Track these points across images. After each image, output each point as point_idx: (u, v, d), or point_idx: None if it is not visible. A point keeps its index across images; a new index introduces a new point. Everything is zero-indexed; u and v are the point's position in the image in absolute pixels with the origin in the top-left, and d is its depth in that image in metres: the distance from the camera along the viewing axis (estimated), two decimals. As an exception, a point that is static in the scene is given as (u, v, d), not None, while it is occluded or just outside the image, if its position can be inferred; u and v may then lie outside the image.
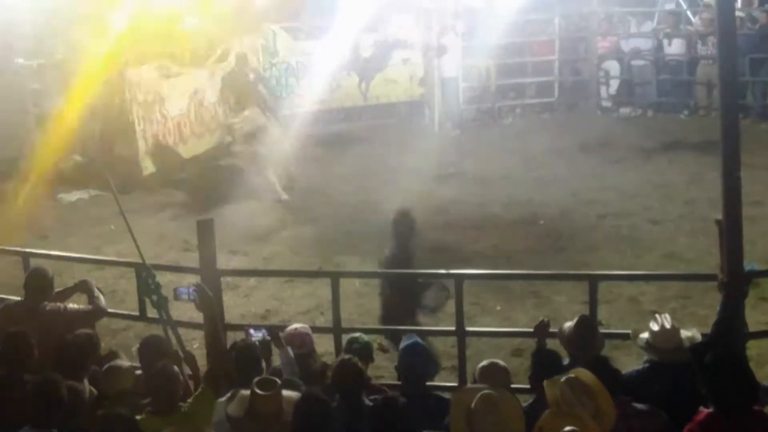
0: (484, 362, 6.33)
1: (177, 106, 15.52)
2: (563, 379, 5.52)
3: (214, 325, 6.77)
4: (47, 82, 15.93)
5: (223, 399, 6.09)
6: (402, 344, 6.67)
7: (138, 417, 5.89)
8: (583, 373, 5.60)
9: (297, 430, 5.53)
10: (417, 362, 6.44)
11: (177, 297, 7.20)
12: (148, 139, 14.91)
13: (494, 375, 6.06)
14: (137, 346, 6.98)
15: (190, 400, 6.14)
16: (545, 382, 5.65)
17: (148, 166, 14.73)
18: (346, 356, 6.42)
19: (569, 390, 5.44)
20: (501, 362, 6.26)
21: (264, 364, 6.68)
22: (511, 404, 5.54)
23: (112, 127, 15.01)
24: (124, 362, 6.72)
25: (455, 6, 18.34)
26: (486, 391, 5.48)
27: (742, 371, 5.47)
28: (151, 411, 6.02)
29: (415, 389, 6.30)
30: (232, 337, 7.77)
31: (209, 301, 6.78)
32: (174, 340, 7.13)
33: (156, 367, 6.34)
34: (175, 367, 6.25)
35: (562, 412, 5.35)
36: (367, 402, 6.03)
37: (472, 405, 5.41)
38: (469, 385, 5.96)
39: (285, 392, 5.93)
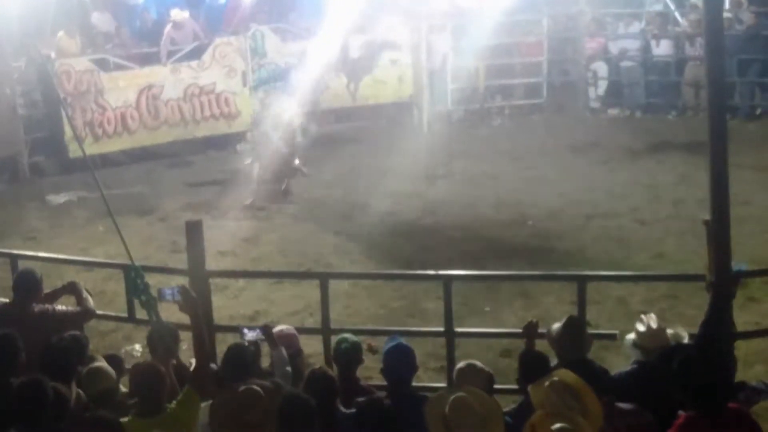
0: (461, 363, 6.34)
1: (120, 98, 16.33)
2: (547, 382, 5.53)
3: (199, 325, 6.75)
4: (33, 82, 16.00)
5: (205, 405, 6.07)
6: (386, 346, 6.67)
7: (123, 419, 5.88)
8: (566, 374, 5.61)
9: (281, 429, 5.53)
10: (402, 364, 6.44)
11: (161, 298, 7.19)
12: (78, 125, 15.79)
13: (471, 376, 6.07)
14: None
15: (175, 402, 6.12)
16: (530, 387, 5.66)
17: (76, 149, 15.32)
18: (316, 366, 6.46)
19: (554, 393, 5.45)
20: (478, 363, 6.27)
21: (254, 368, 6.68)
22: (486, 403, 5.53)
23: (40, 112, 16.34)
24: (102, 363, 6.69)
25: (444, 6, 18.35)
26: (458, 395, 5.48)
27: (712, 370, 5.49)
28: (137, 413, 6.00)
29: (401, 390, 6.29)
30: (221, 339, 7.79)
31: (193, 302, 6.76)
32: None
33: (140, 366, 6.32)
34: (161, 368, 6.22)
35: (554, 414, 5.36)
36: (342, 409, 6.02)
37: (446, 410, 5.41)
38: (440, 391, 5.94)
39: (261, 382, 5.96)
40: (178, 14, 17.22)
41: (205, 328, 6.85)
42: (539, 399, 5.49)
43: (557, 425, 5.12)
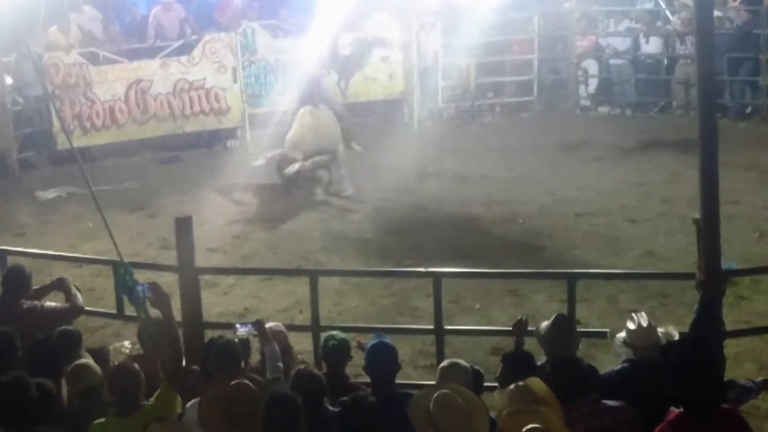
0: (445, 362, 6.34)
1: (109, 92, 16.35)
2: (513, 386, 5.53)
3: (172, 322, 6.74)
4: (25, 78, 15.98)
5: (194, 401, 6.06)
6: (369, 344, 6.66)
7: (100, 420, 5.87)
8: (534, 382, 5.60)
9: (267, 428, 5.53)
10: (384, 362, 6.42)
11: (133, 294, 7.15)
12: (66, 117, 15.79)
13: (454, 374, 6.07)
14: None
15: (153, 399, 6.11)
16: (496, 393, 5.66)
17: (64, 141, 15.34)
18: (302, 366, 6.44)
19: (517, 395, 5.44)
20: (461, 361, 6.26)
21: (243, 363, 6.68)
22: (470, 400, 5.52)
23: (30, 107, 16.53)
24: (88, 360, 6.67)
25: (435, 4, 18.36)
26: (441, 391, 5.47)
27: (709, 369, 5.49)
28: (115, 411, 5.97)
29: (384, 388, 6.28)
30: (210, 336, 7.76)
31: (164, 298, 6.75)
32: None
33: (115, 366, 6.31)
34: (135, 366, 6.20)
35: (520, 410, 5.35)
36: (330, 408, 6.00)
37: (430, 407, 5.41)
38: (424, 389, 5.93)
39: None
40: None
41: (176, 324, 6.82)
42: (501, 404, 5.49)
43: (529, 426, 5.10)
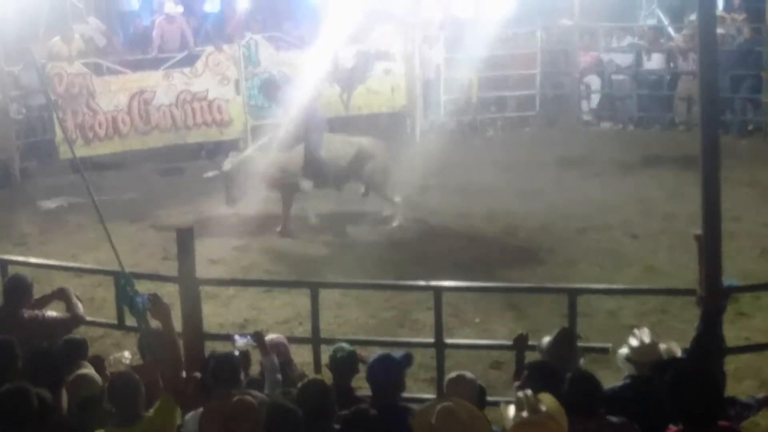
0: (452, 374, 6.32)
1: (112, 102, 16.40)
2: (520, 393, 5.52)
3: (172, 333, 6.73)
4: (30, 88, 16.02)
5: (194, 413, 6.04)
6: (373, 356, 6.64)
7: (100, 431, 5.85)
8: (545, 396, 5.58)
9: None
10: (387, 375, 6.39)
11: (133, 305, 7.15)
12: (69, 127, 15.91)
13: (461, 386, 6.06)
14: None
15: (153, 409, 6.10)
16: (501, 405, 5.64)
17: (66, 151, 15.46)
18: (311, 377, 6.42)
19: (524, 398, 5.42)
20: (468, 374, 6.24)
21: (243, 376, 6.66)
22: (473, 414, 5.50)
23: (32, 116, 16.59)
24: (89, 370, 6.66)
25: (438, 17, 18.40)
26: (444, 404, 5.46)
27: (705, 386, 5.46)
28: (115, 422, 5.95)
29: (386, 402, 6.25)
30: (211, 347, 7.76)
31: (164, 309, 6.75)
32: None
33: (115, 375, 6.30)
34: (136, 376, 6.19)
35: (527, 422, 5.34)
36: (336, 426, 5.96)
37: (433, 420, 5.39)
38: (427, 402, 5.91)
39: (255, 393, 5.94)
40: (172, 8, 17.31)
41: (176, 335, 6.82)
42: (506, 414, 5.48)
43: None
